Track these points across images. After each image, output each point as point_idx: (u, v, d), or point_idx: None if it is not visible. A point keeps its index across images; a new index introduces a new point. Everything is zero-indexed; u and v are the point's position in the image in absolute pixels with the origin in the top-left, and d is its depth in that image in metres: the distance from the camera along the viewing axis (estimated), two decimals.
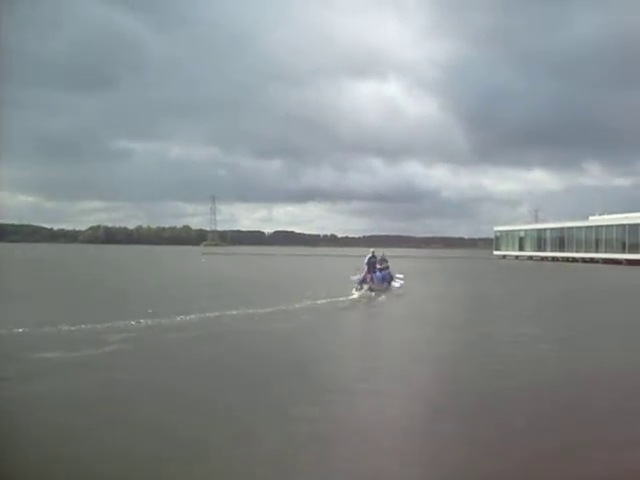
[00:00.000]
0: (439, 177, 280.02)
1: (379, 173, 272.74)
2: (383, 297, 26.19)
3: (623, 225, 79.97)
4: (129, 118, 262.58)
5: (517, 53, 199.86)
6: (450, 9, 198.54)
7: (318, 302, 22.60)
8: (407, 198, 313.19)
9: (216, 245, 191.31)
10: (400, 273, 30.71)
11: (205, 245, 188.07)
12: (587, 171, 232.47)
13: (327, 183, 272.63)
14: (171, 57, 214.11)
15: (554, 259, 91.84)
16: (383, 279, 28.89)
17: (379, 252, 29.74)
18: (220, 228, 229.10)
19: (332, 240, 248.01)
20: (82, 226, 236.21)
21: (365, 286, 27.04)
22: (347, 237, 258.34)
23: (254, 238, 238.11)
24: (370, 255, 28.21)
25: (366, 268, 27.76)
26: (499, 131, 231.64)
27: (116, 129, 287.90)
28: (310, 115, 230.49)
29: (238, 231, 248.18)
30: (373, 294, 26.35)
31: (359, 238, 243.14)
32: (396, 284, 29.25)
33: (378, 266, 28.83)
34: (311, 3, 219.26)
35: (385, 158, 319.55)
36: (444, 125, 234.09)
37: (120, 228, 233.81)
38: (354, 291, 26.13)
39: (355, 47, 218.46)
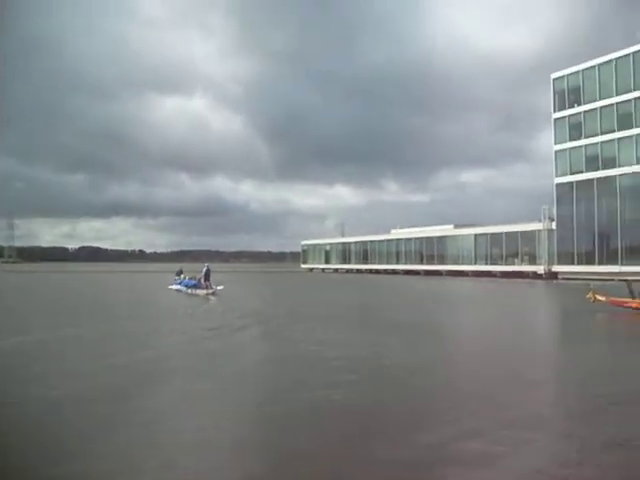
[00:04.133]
0: (247, 192, 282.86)
1: (186, 188, 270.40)
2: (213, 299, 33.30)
3: (421, 238, 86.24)
4: None
5: (318, 73, 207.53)
6: (252, 27, 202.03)
7: None
8: (215, 213, 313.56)
9: (14, 262, 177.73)
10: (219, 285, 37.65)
11: (1, 262, 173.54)
12: (386, 188, 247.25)
13: (133, 198, 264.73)
14: None
15: (359, 271, 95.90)
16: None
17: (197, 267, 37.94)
18: (18, 244, 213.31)
19: (140, 256, 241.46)
20: None
21: (203, 291, 36.37)
22: (155, 252, 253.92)
23: (56, 254, 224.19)
24: (206, 268, 37.41)
25: (203, 278, 37.40)
26: (302, 148, 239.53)
27: None
28: (115, 129, 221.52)
29: (39, 247, 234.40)
30: (210, 296, 34.93)
31: (167, 253, 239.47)
32: (219, 288, 36.96)
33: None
34: (116, 15, 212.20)
35: (192, 173, 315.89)
36: (249, 141, 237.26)
37: None
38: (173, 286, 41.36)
39: (161, 61, 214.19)
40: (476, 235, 75.56)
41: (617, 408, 9.13)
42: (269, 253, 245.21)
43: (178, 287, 40.44)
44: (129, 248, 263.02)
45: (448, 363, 13.56)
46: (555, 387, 11.46)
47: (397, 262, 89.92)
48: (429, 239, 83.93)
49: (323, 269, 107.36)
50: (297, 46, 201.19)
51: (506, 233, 70.63)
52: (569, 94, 63.50)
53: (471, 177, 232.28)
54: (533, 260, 66.64)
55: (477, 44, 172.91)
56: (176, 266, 53.65)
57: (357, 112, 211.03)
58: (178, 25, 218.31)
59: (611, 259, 57.17)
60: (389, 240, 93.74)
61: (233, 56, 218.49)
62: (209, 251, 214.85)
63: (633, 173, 56.28)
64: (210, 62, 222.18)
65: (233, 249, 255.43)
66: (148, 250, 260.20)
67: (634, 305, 23.24)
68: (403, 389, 10.50)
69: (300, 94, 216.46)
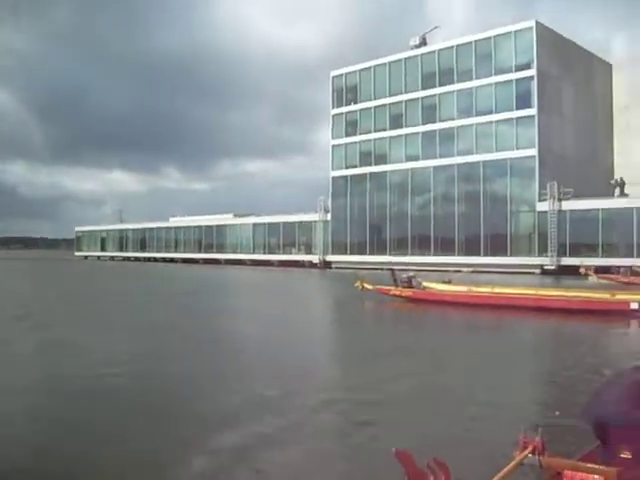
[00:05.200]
0: (16, 173, 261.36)
1: None
2: None
3: (200, 227, 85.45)
4: None
5: (102, 54, 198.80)
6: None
7: None
8: None
9: None
10: None
11: None
12: (168, 175, 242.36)
13: None
14: None
15: (136, 259, 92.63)
16: None
17: None
18: None
19: None
20: None
21: None
22: None
23: None
24: None
25: None
26: (81, 130, 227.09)
27: None
28: None
29: None
30: None
31: None
32: None
33: None
34: None
35: None
36: (19, 118, 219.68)
37: None
38: None
39: None
40: (254, 225, 76.46)
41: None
42: (43, 240, 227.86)
43: None
44: None
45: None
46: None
47: (176, 250, 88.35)
48: (208, 228, 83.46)
49: (99, 257, 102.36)
50: (82, 24, 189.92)
51: (284, 223, 72.32)
52: (347, 92, 66.65)
53: (253, 167, 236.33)
54: (309, 250, 68.90)
55: (266, 38, 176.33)
56: None
57: (141, 97, 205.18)
58: None
59: (381, 249, 61.05)
60: (168, 228, 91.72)
61: (6, 26, 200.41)
62: None
63: (401, 170, 60.76)
64: None
65: (2, 235, 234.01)
66: None
67: (397, 293, 24.87)
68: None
69: (81, 74, 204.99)
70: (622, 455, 4.64)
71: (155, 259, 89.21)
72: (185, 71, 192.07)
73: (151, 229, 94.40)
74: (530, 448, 4.59)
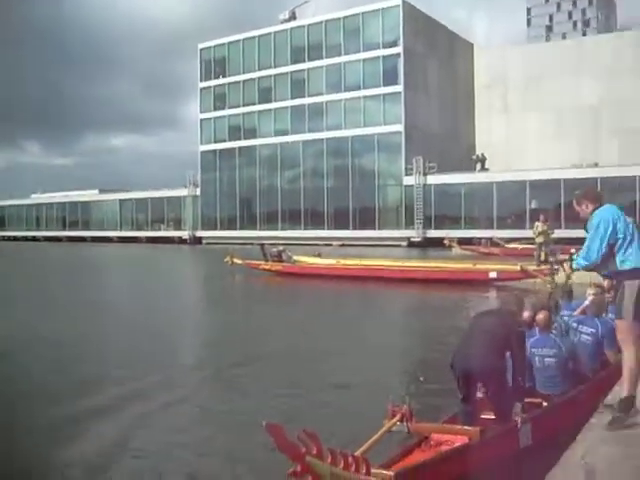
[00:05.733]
0: None
1: None
2: None
3: (64, 203, 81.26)
4: None
5: None
6: None
7: None
8: None
9: None
10: None
11: None
12: (27, 149, 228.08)
13: None
14: None
15: None
16: None
17: None
18: None
19: None
20: None
21: None
22: None
23: None
24: None
25: None
26: None
27: None
28: None
29: None
30: None
31: None
32: None
33: None
34: None
35: None
36: None
37: None
38: None
39: None
40: (121, 200, 73.71)
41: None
42: None
43: None
44: None
45: None
46: None
47: (38, 229, 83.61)
48: (72, 204, 79.56)
49: None
50: None
51: (152, 199, 70.15)
52: (215, 65, 65.27)
53: (120, 142, 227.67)
54: (179, 226, 67.35)
55: (134, 9, 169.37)
56: None
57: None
58: None
59: (251, 224, 60.60)
60: (29, 205, 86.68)
61: None
62: None
63: (270, 144, 60.48)
64: None
65: None
66: None
67: (267, 267, 24.99)
68: None
69: None
70: (483, 416, 5.17)
71: (15, 238, 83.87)
72: (49, 41, 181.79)
73: (10, 206, 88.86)
74: (398, 416, 4.88)
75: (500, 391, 5.11)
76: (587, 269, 5.03)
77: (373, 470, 3.88)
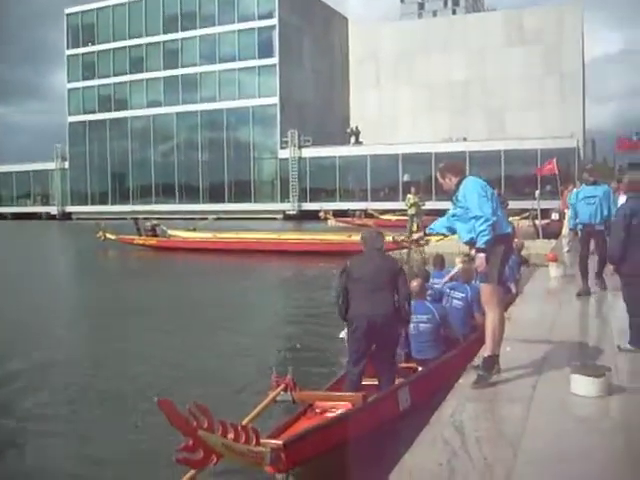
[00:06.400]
0: None
1: None
2: None
3: None
4: None
5: None
6: None
7: None
8: None
9: None
10: None
11: None
12: None
13: None
14: None
15: None
16: None
17: None
18: None
19: None
20: None
21: None
22: None
23: None
24: None
25: None
26: None
27: None
28: None
29: None
30: None
31: None
32: None
33: None
34: None
35: None
36: None
37: None
38: None
39: None
40: None
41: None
42: None
43: None
44: None
45: None
46: None
47: None
48: None
49: None
50: None
51: (17, 173, 66.28)
52: (83, 32, 62.22)
53: None
54: (47, 201, 64.19)
55: None
56: None
57: None
58: None
59: (124, 199, 58.70)
60: None
61: None
62: None
63: (143, 116, 58.63)
64: None
65: None
66: None
67: (141, 242, 24.73)
68: None
69: None
70: (365, 382, 5.33)
71: None
72: None
73: None
74: (282, 386, 5.00)
75: (392, 353, 5.42)
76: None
77: (262, 440, 3.94)
